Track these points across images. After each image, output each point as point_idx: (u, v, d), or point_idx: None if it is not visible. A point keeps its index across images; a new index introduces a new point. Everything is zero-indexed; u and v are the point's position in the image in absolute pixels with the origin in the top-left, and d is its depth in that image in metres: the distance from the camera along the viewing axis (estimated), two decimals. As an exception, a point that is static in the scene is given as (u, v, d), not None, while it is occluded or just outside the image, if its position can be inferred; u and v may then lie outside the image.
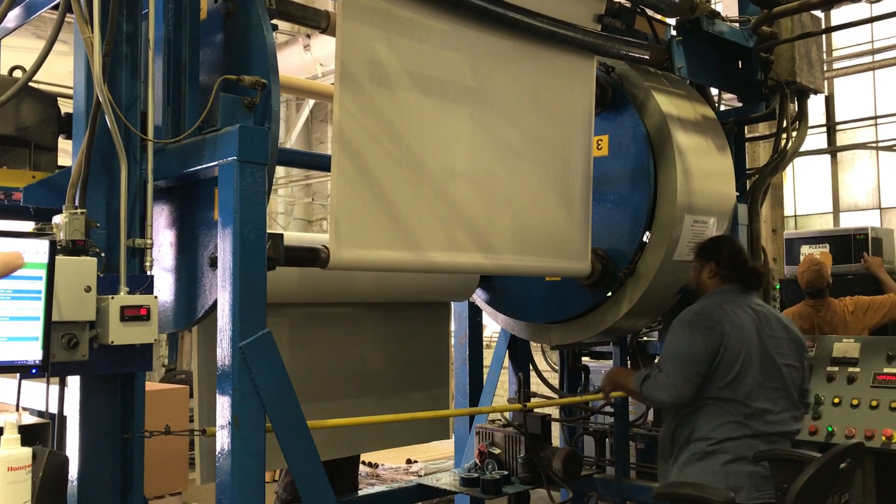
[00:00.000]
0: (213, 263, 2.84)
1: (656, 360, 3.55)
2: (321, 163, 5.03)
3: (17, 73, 3.03)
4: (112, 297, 2.59)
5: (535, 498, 4.41)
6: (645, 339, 5.21)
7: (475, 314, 4.81)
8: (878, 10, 4.94)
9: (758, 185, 4.80)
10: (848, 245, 6.82)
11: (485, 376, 4.87)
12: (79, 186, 2.69)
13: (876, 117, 10.39)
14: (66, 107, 3.12)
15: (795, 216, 11.00)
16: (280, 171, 13.59)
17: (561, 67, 3.72)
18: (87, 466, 2.74)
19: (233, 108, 2.79)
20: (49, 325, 2.44)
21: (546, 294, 4.31)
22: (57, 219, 2.64)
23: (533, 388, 4.74)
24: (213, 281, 2.89)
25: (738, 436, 3.24)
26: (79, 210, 2.64)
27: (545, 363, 6.00)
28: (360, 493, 4.46)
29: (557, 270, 3.91)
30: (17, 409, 2.81)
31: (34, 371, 2.46)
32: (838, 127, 10.64)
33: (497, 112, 3.51)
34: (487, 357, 4.95)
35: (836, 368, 4.71)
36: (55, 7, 2.94)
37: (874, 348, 4.66)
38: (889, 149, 10.11)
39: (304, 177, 14.21)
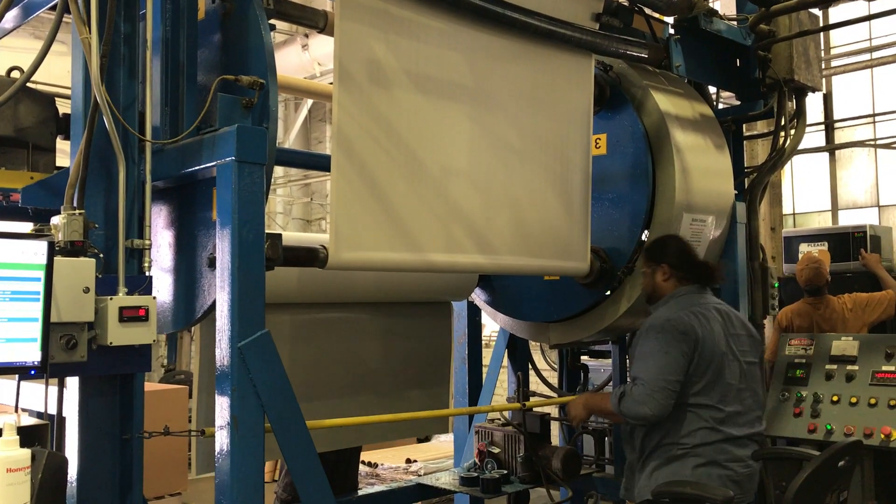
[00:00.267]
0: (212, 264, 2.84)
1: (629, 374, 3.49)
2: (320, 162, 5.03)
3: (15, 74, 3.03)
4: (111, 298, 2.58)
5: (535, 497, 4.42)
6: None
7: (474, 313, 4.81)
8: (875, 7, 4.93)
9: (756, 184, 4.81)
10: (847, 243, 6.83)
11: (484, 375, 4.87)
12: (77, 187, 2.68)
13: (874, 115, 10.39)
14: (64, 107, 3.12)
15: (794, 214, 11.00)
16: (279, 170, 13.59)
17: (559, 66, 3.72)
18: (87, 467, 2.74)
19: (231, 108, 2.79)
20: (48, 326, 2.43)
21: (545, 293, 4.31)
22: (55, 220, 2.64)
23: (532, 387, 4.74)
24: (211, 281, 2.89)
25: (711, 441, 3.24)
26: (77, 211, 2.64)
27: (544, 362, 6.02)
28: (360, 492, 4.46)
29: (556, 269, 3.91)
30: (16, 411, 2.80)
31: (33, 372, 2.45)
32: (836, 125, 10.64)
33: (495, 111, 3.51)
34: (486, 356, 4.95)
35: (834, 366, 4.71)
36: (53, 8, 2.93)
37: (873, 346, 4.67)
38: (887, 146, 10.11)
39: (302, 176, 14.21)
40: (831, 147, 10.59)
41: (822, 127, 10.63)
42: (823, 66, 9.57)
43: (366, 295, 3.99)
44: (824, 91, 10.25)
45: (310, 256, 3.00)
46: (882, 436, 4.25)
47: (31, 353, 2.42)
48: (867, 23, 9.63)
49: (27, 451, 2.27)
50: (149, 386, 4.63)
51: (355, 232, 3.01)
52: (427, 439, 9.74)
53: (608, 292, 4.07)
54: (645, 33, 4.34)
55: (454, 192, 3.36)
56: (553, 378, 5.45)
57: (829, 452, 3.01)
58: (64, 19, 2.83)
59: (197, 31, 3.07)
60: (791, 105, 4.85)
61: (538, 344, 5.32)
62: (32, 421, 4.19)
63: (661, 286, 3.53)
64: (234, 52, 2.98)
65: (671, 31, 4.42)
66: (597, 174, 3.97)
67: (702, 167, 4.14)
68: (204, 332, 3.34)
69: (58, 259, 2.49)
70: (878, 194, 10.37)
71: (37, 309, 2.42)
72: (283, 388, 2.76)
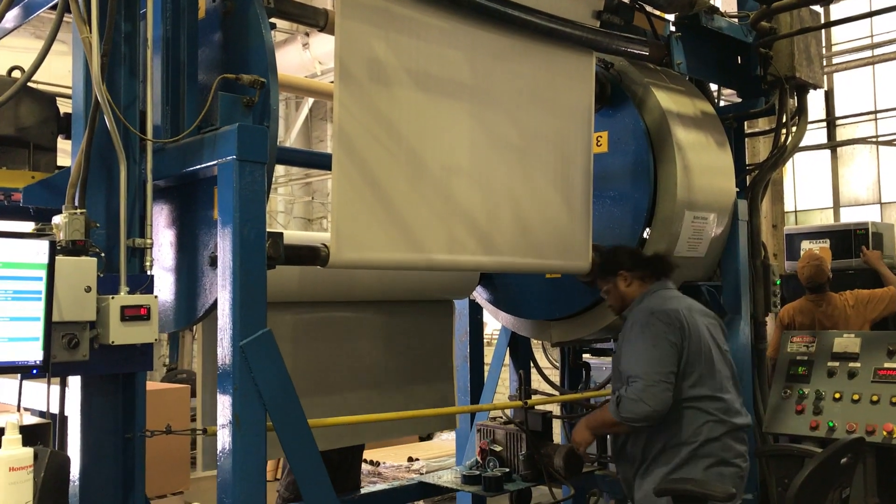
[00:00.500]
0: (213, 262, 2.84)
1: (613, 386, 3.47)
2: (321, 161, 5.03)
3: (16, 74, 3.03)
4: (112, 297, 2.58)
5: (537, 495, 4.41)
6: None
7: (476, 312, 4.82)
8: (877, 4, 4.94)
9: (758, 181, 4.80)
10: (848, 240, 6.82)
11: (486, 374, 4.87)
12: (78, 186, 2.68)
13: (876, 112, 10.38)
14: (65, 107, 3.12)
15: (796, 211, 10.99)
16: (280, 169, 13.60)
17: (560, 64, 3.72)
18: (89, 466, 2.74)
19: (231, 107, 2.79)
20: (49, 325, 2.43)
21: (547, 291, 4.31)
22: (57, 219, 2.64)
23: (534, 385, 4.74)
24: (213, 280, 2.89)
25: (717, 435, 3.19)
26: (78, 210, 2.64)
27: (546, 360, 6.01)
28: (362, 491, 4.46)
29: (558, 267, 3.91)
30: (19, 410, 2.81)
31: (35, 371, 2.45)
32: (838, 122, 10.64)
33: (496, 109, 3.51)
34: (488, 355, 4.95)
35: (836, 364, 4.71)
36: (53, 7, 2.94)
37: (875, 343, 4.67)
38: (889, 143, 10.10)
39: (303, 175, 14.21)
40: (833, 144, 10.59)
41: (824, 124, 10.62)
42: (825, 63, 9.55)
43: (367, 293, 3.99)
44: (826, 88, 10.24)
45: (311, 255, 3.00)
46: (884, 433, 4.25)
47: (33, 353, 2.42)
48: (868, 19, 9.62)
49: (29, 450, 2.28)
50: (151, 385, 4.64)
51: (356, 230, 3.01)
52: (429, 438, 9.75)
53: (610, 290, 4.07)
54: (646, 31, 4.34)
55: (455, 190, 3.36)
56: (555, 376, 5.45)
57: (831, 449, 3.01)
58: (65, 19, 2.83)
59: (197, 29, 3.07)
60: (792, 102, 4.84)
61: (540, 342, 5.32)
62: (35, 420, 4.20)
63: (627, 293, 3.51)
64: (235, 50, 2.97)
65: (672, 28, 4.42)
66: (598, 172, 3.97)
67: (703, 164, 4.14)
68: (206, 331, 3.34)
69: (59, 258, 2.50)
70: (879, 191, 10.36)
71: (38, 308, 2.42)
72: (284, 386, 2.76)
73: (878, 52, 10.22)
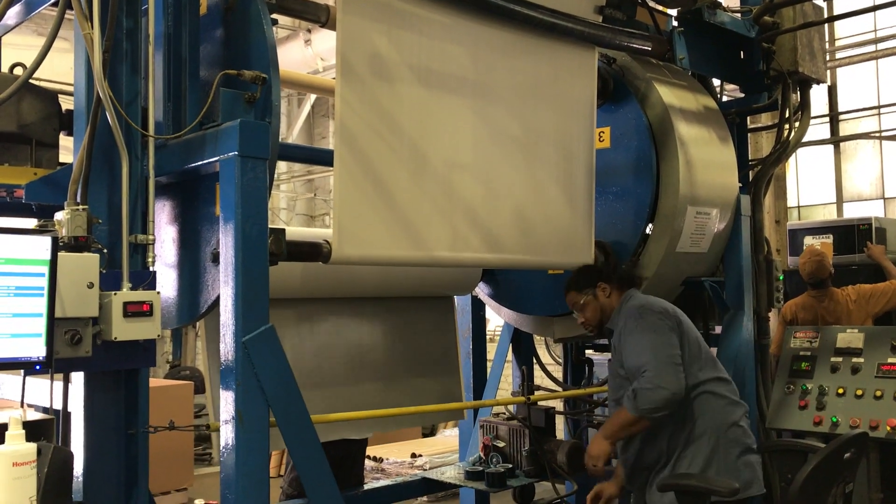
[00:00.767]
0: (216, 259, 2.84)
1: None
2: (323, 158, 5.02)
3: (18, 71, 3.03)
4: (115, 294, 2.59)
5: (540, 491, 4.41)
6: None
7: (478, 308, 4.81)
8: (880, -2, 4.92)
9: (760, 176, 4.79)
10: (852, 235, 6.80)
11: (488, 370, 4.87)
12: (80, 183, 2.68)
13: (879, 107, 10.36)
14: (66, 103, 3.12)
15: (799, 207, 10.98)
16: (282, 166, 13.60)
17: (562, 59, 3.71)
18: (92, 462, 2.75)
19: (233, 103, 2.78)
20: (52, 321, 2.44)
21: (549, 287, 4.31)
22: (59, 215, 2.64)
23: (537, 381, 4.73)
24: (215, 276, 2.89)
25: (737, 419, 3.23)
26: (81, 206, 2.64)
27: (549, 356, 6.00)
28: (365, 486, 4.47)
29: (560, 263, 3.90)
30: (22, 406, 2.81)
31: (38, 367, 2.46)
32: (841, 117, 10.62)
33: (498, 104, 3.50)
34: (491, 351, 4.95)
35: (840, 359, 4.70)
36: (55, 4, 2.93)
37: (878, 339, 4.66)
38: (892, 138, 10.09)
39: (306, 172, 14.21)
40: (836, 139, 10.57)
41: (827, 119, 10.60)
42: (828, 58, 9.53)
43: (368, 290, 3.99)
44: (829, 83, 10.23)
45: (313, 251, 3.00)
46: (888, 428, 4.24)
47: (36, 349, 2.43)
48: (872, 14, 9.60)
49: (33, 446, 2.28)
50: (154, 381, 4.65)
51: (359, 227, 3.01)
52: (432, 433, 9.77)
53: (612, 286, 4.07)
54: (648, 26, 4.33)
55: (457, 185, 3.35)
56: (558, 372, 5.44)
57: (834, 445, 3.01)
58: (66, 16, 2.83)
59: (199, 26, 3.06)
60: (795, 97, 4.83)
61: (543, 338, 5.31)
62: (38, 416, 4.20)
63: (606, 304, 3.50)
64: (237, 47, 2.97)
65: (675, 23, 4.40)
66: (601, 167, 3.97)
67: (706, 160, 4.13)
68: (209, 328, 3.34)
69: (62, 254, 2.50)
70: (883, 186, 10.35)
71: (41, 304, 2.43)
72: (287, 382, 2.76)
73: (881, 46, 10.19)
